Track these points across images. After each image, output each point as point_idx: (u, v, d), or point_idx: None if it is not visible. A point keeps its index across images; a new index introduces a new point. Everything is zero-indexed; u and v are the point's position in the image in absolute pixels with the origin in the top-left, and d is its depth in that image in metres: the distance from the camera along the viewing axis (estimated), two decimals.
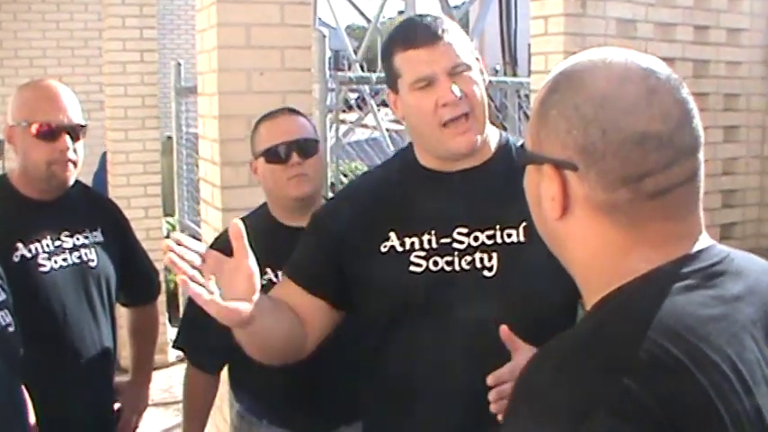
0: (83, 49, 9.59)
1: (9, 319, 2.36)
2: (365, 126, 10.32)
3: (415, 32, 2.15)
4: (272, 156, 2.82)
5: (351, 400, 2.84)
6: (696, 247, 1.28)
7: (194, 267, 1.85)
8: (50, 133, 2.76)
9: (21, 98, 2.84)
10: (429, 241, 2.19)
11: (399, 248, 2.20)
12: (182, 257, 1.84)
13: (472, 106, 2.13)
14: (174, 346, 3.07)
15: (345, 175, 8.57)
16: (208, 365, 2.99)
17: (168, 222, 9.06)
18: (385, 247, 2.22)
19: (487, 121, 2.21)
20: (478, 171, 2.18)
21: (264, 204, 3.00)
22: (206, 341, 2.82)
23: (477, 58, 2.22)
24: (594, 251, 1.30)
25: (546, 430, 1.13)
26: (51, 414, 2.67)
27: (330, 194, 4.29)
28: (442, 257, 2.16)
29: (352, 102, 9.25)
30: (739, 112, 5.45)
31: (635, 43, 4.77)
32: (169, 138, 9.20)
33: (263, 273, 2.67)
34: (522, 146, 1.47)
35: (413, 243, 2.19)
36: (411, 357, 2.11)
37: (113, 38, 7.50)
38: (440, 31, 2.13)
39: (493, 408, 1.85)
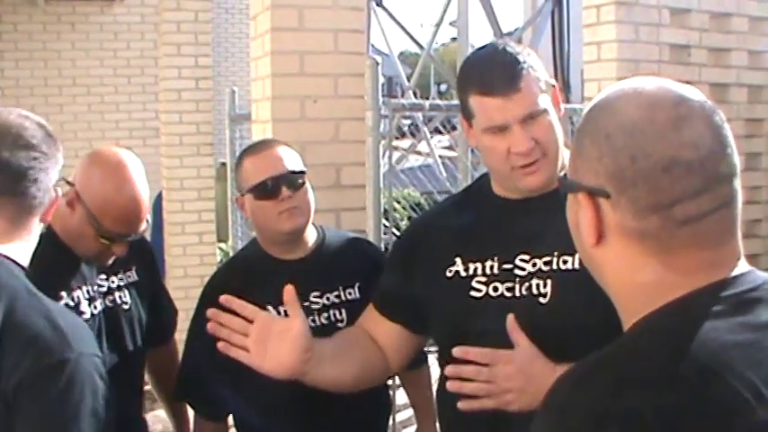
0: (139, 76, 9.75)
1: None
2: (418, 153, 10.35)
3: (491, 77, 2.11)
4: (261, 192, 2.73)
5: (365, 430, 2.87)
6: (732, 273, 1.27)
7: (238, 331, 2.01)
8: (113, 238, 2.67)
9: (88, 170, 2.69)
10: (491, 267, 2.21)
11: (463, 273, 2.24)
12: (227, 325, 2.01)
13: (545, 151, 2.13)
14: (175, 398, 3.03)
15: (398, 202, 8.59)
16: (213, 414, 2.93)
17: (221, 249, 9.11)
18: (450, 272, 2.26)
19: (563, 150, 2.20)
20: (546, 197, 2.17)
21: (255, 240, 2.94)
22: (207, 390, 2.84)
23: (553, 86, 2.21)
24: (628, 278, 1.30)
25: None
26: None
27: (384, 221, 4.30)
28: (502, 283, 2.18)
29: (405, 129, 9.28)
30: None
31: (689, 69, 4.75)
32: (223, 164, 9.26)
33: (263, 310, 2.72)
34: (564, 175, 1.47)
35: (476, 269, 2.22)
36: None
37: (169, 65, 7.59)
38: (517, 77, 2.09)
39: (449, 385, 2.00)
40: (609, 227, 1.30)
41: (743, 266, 1.30)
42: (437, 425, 2.60)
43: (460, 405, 2.00)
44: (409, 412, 4.72)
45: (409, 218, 9.02)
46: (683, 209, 1.24)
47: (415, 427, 3.41)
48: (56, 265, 2.70)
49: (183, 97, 7.58)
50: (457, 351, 1.99)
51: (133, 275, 2.93)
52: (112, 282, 2.84)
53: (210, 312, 2.00)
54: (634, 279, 1.30)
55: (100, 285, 2.80)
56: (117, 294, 2.84)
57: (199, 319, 2.89)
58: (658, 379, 1.14)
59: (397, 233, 7.09)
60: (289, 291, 2.01)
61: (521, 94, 2.10)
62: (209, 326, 2.00)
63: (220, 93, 9.33)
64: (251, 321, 2.05)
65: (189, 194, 7.61)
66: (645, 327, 1.25)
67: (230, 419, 3.00)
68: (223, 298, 2.02)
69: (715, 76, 4.93)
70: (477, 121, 2.17)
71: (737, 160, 1.29)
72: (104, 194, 2.64)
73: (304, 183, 2.78)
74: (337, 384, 2.29)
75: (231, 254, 8.05)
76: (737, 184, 1.28)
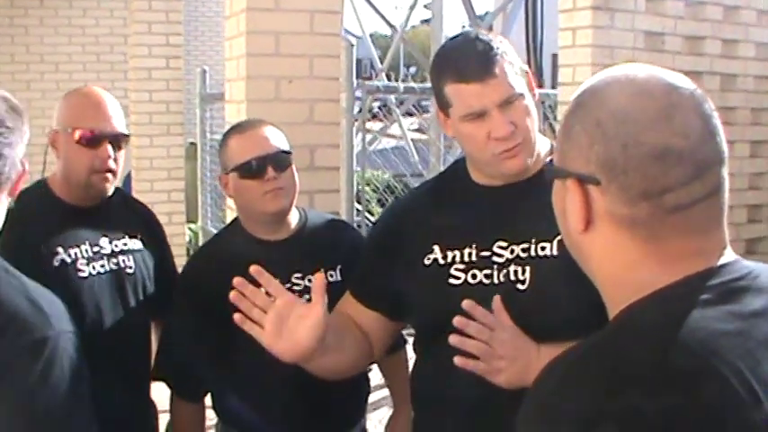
0: (108, 54, 9.65)
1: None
2: (391, 136, 10.34)
3: (466, 64, 2.11)
4: (246, 171, 2.70)
5: (346, 413, 2.85)
6: (719, 262, 1.27)
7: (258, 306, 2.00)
8: (93, 140, 2.73)
9: (67, 104, 2.82)
10: (469, 254, 2.20)
11: (441, 261, 2.23)
12: (251, 298, 1.99)
13: (523, 135, 2.12)
14: (155, 378, 2.98)
15: (368, 184, 8.57)
16: (190, 394, 2.91)
17: (190, 229, 9.08)
18: (428, 259, 2.25)
19: (538, 135, 2.20)
20: (524, 184, 2.18)
21: (236, 220, 2.91)
22: (185, 370, 2.83)
23: (527, 72, 2.21)
24: (616, 265, 1.30)
25: None
26: None
27: (356, 204, 4.29)
28: (481, 270, 2.18)
29: (376, 110, 9.26)
30: (766, 126, 5.42)
31: (663, 56, 4.77)
32: (192, 144, 9.23)
33: None
34: (551, 161, 1.46)
35: (454, 256, 2.22)
36: (447, 365, 2.12)
37: (139, 43, 7.53)
38: (492, 63, 2.10)
39: (451, 338, 1.99)
40: (598, 213, 1.29)
41: (729, 255, 1.29)
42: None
43: (457, 360, 1.99)
44: (379, 394, 4.73)
45: (378, 200, 9.02)
46: (673, 196, 1.23)
47: (385, 408, 3.41)
48: (51, 220, 2.76)
49: (153, 76, 7.53)
50: (467, 303, 2.00)
51: (138, 244, 2.94)
52: (116, 246, 2.85)
53: (237, 281, 1.97)
54: (621, 265, 1.29)
55: (102, 247, 2.82)
56: (121, 258, 2.86)
57: (179, 299, 2.87)
58: (654, 375, 1.13)
59: (369, 215, 7.09)
60: (319, 277, 1.99)
61: (497, 79, 2.10)
62: (232, 295, 1.97)
63: (190, 72, 9.29)
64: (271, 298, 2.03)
65: (158, 174, 7.57)
66: (633, 316, 1.24)
67: (207, 400, 2.98)
68: (253, 269, 2.00)
69: (689, 64, 4.94)
70: (455, 110, 2.16)
71: (726, 148, 1.29)
72: (73, 103, 2.81)
73: (290, 163, 2.76)
74: (334, 372, 2.28)
75: (201, 234, 8.03)
76: (725, 172, 1.28)
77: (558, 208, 1.39)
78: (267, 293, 2.02)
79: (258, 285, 2.02)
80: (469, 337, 2.00)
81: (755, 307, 1.23)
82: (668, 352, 1.14)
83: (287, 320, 1.99)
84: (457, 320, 1.98)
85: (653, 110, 1.25)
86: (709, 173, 1.25)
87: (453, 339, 1.99)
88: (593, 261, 1.34)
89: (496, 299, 2.04)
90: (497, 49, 2.12)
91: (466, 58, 2.12)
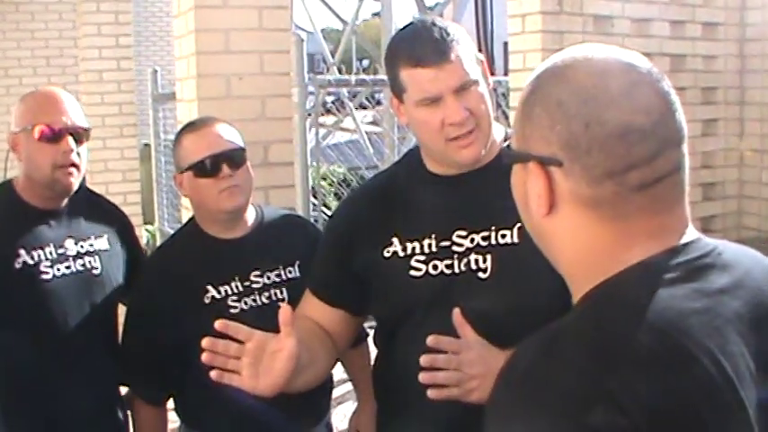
0: (58, 58, 9.55)
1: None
2: (345, 129, 10.32)
3: (422, 49, 2.09)
4: (201, 170, 2.68)
5: (311, 410, 2.84)
6: (683, 240, 1.27)
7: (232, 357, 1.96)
8: (53, 135, 2.70)
9: (23, 105, 2.80)
10: (429, 245, 2.19)
11: (401, 253, 2.22)
12: (224, 353, 1.95)
13: (478, 122, 2.11)
14: (118, 381, 2.96)
15: (324, 179, 8.56)
16: (152, 397, 2.88)
17: (147, 230, 9.02)
18: (388, 252, 2.23)
19: (493, 123, 2.19)
20: (480, 172, 2.17)
21: (191, 220, 2.89)
22: (146, 373, 2.81)
23: (482, 61, 2.20)
24: (581, 247, 1.29)
25: (542, 420, 1.12)
26: (54, 417, 2.70)
27: (312, 199, 4.28)
28: (441, 261, 2.17)
29: (329, 104, 9.25)
30: (717, 105, 5.48)
31: (612, 39, 4.79)
32: (146, 145, 9.17)
33: (204, 292, 2.67)
34: (508, 145, 1.45)
35: (414, 248, 2.20)
36: (412, 358, 2.12)
37: (89, 46, 7.46)
38: (447, 48, 2.08)
39: (422, 376, 1.95)
40: (561, 196, 1.28)
41: (692, 233, 1.29)
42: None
43: (431, 394, 1.98)
44: (343, 389, 4.74)
45: (335, 194, 9.01)
46: (638, 174, 1.23)
47: (349, 402, 3.40)
48: (13, 222, 2.75)
49: (104, 78, 7.47)
50: (431, 340, 1.96)
51: (104, 243, 2.92)
52: (81, 246, 2.83)
53: (206, 343, 1.94)
54: (586, 247, 1.29)
55: (67, 249, 2.79)
56: (87, 259, 2.84)
57: (137, 302, 2.85)
58: (634, 356, 1.13)
59: (325, 210, 7.08)
60: (285, 311, 1.97)
61: (452, 64, 2.09)
62: (205, 357, 1.94)
63: (141, 73, 9.22)
64: (241, 342, 2.00)
65: (113, 176, 7.50)
66: (604, 295, 1.24)
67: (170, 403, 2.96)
68: (219, 324, 1.97)
69: (638, 46, 4.96)
70: (409, 95, 2.15)
71: (685, 125, 1.29)
72: (30, 103, 2.79)
73: (245, 161, 2.74)
74: (310, 384, 2.25)
75: (158, 235, 7.99)
76: (685, 149, 1.28)
77: (518, 193, 1.37)
78: (233, 339, 1.97)
79: (224, 337, 1.97)
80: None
81: (721, 284, 1.23)
82: (642, 332, 1.14)
83: (261, 359, 1.96)
84: (423, 360, 1.96)
85: (614, 88, 1.25)
86: (671, 150, 1.25)
87: (424, 378, 1.96)
88: (557, 245, 1.33)
89: (456, 312, 2.01)
90: (453, 35, 2.11)
91: (422, 43, 2.11)
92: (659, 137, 1.24)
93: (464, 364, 1.98)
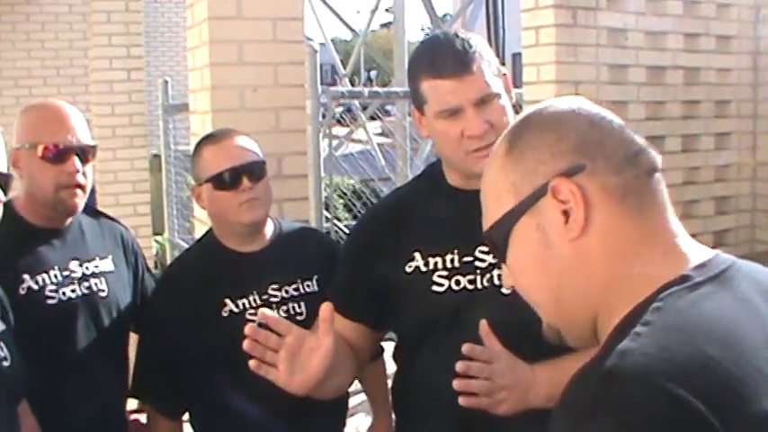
0: (68, 68, 9.56)
1: (4, 352, 2.22)
2: (358, 141, 10.31)
3: (443, 60, 2.10)
4: (221, 182, 2.66)
5: (329, 423, 2.82)
6: (703, 255, 1.30)
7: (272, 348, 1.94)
8: (58, 155, 2.62)
9: (26, 119, 2.70)
10: (452, 260, 2.19)
11: (423, 269, 2.21)
12: (264, 343, 1.93)
13: (498, 135, 2.10)
14: (131, 393, 2.92)
15: (334, 190, 8.54)
16: (169, 410, 2.84)
17: (157, 242, 9.01)
18: (410, 267, 2.23)
19: None
20: None
21: (209, 232, 2.87)
22: (163, 386, 2.77)
23: (505, 74, 2.20)
24: (612, 252, 1.29)
25: None
26: None
27: (325, 212, 4.26)
28: (464, 276, 2.16)
29: (338, 116, 9.25)
30: (730, 118, 5.46)
31: (626, 52, 4.80)
32: (155, 156, 9.16)
33: (222, 305, 2.64)
34: (494, 224, 1.42)
35: (436, 263, 2.20)
36: (434, 374, 2.10)
37: (100, 56, 7.46)
38: (469, 60, 2.09)
39: (456, 383, 1.94)
40: (593, 200, 1.29)
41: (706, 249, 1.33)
42: (393, 416, 2.57)
43: (462, 401, 1.97)
44: (355, 400, 4.71)
45: (345, 205, 8.99)
46: (644, 158, 1.32)
47: (361, 414, 3.37)
48: (15, 245, 2.64)
49: (114, 89, 7.45)
50: (466, 348, 1.96)
51: (110, 265, 2.84)
52: (86, 268, 2.75)
53: (249, 330, 1.92)
54: (617, 251, 1.29)
55: (73, 271, 2.71)
56: (93, 281, 2.75)
57: (154, 313, 2.82)
58: (695, 374, 1.11)
59: (338, 223, 7.07)
60: (326, 308, 1.96)
61: (473, 76, 2.09)
62: (246, 344, 1.92)
63: (151, 83, 9.21)
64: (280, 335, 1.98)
65: (123, 187, 7.49)
66: (659, 316, 1.20)
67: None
68: (260, 314, 1.95)
69: (652, 59, 4.96)
70: (430, 106, 2.15)
71: None
72: (33, 118, 2.70)
73: (265, 173, 2.73)
74: (334, 393, 2.25)
75: (168, 246, 7.97)
76: None
77: (532, 245, 1.35)
78: (273, 331, 1.96)
79: (266, 328, 1.96)
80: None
81: (748, 291, 1.26)
82: (709, 350, 1.14)
83: (298, 355, 1.95)
84: (459, 366, 1.95)
85: (592, 107, 1.37)
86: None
87: (458, 384, 1.95)
88: (588, 268, 1.31)
89: (483, 323, 2.00)
90: (475, 47, 2.12)
91: (443, 55, 2.11)
92: (642, 138, 1.36)
93: (496, 374, 1.98)
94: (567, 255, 1.32)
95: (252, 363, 1.94)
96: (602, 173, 1.29)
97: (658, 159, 1.34)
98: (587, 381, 1.18)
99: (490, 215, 1.42)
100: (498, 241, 1.41)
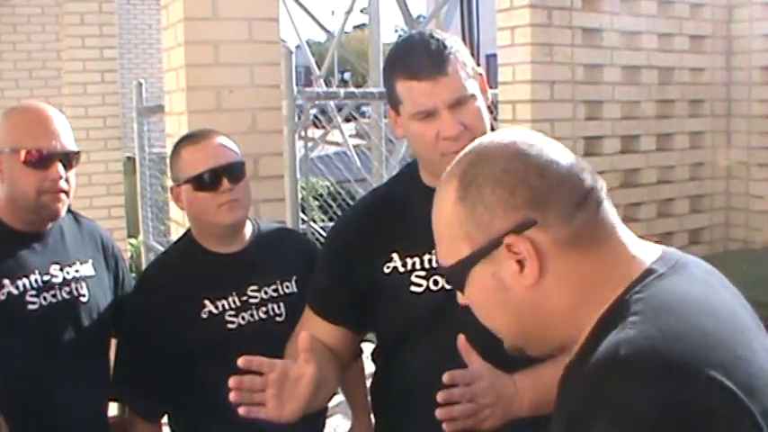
0: (41, 70, 9.49)
1: None
2: (334, 143, 10.30)
3: (418, 61, 2.09)
4: (201, 183, 2.63)
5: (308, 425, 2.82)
6: (655, 251, 1.38)
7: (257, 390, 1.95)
8: (41, 161, 2.57)
9: (8, 122, 2.64)
10: (429, 261, 2.19)
11: (401, 269, 2.21)
12: (250, 388, 1.93)
13: (474, 137, 2.09)
14: (111, 397, 2.88)
15: (310, 192, 8.52)
16: (148, 412, 2.81)
17: (131, 244, 8.96)
18: (388, 267, 2.22)
19: None
20: None
21: (187, 233, 2.84)
22: (143, 388, 2.74)
23: (480, 74, 2.20)
24: (578, 286, 1.33)
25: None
26: None
27: (301, 215, 4.25)
28: (442, 276, 2.15)
29: (313, 117, 9.23)
30: (704, 117, 5.49)
31: (601, 52, 4.81)
32: (129, 158, 9.12)
33: (201, 306, 2.62)
34: (449, 267, 1.42)
35: (414, 263, 2.20)
36: (412, 373, 2.10)
37: (73, 58, 7.42)
38: (444, 61, 2.08)
39: (438, 413, 1.93)
40: (546, 253, 1.32)
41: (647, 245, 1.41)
42: (372, 417, 2.56)
43: (447, 428, 1.95)
44: (332, 401, 4.69)
45: (320, 207, 8.98)
46: (593, 195, 1.35)
47: (339, 416, 3.36)
48: None
49: (88, 90, 7.43)
50: (446, 377, 1.93)
51: (90, 269, 2.80)
52: (67, 273, 2.71)
53: (233, 382, 1.92)
54: (583, 281, 1.33)
55: (53, 276, 2.67)
56: (74, 286, 2.72)
57: (133, 314, 2.79)
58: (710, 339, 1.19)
59: (313, 224, 7.05)
60: (304, 338, 1.95)
61: (448, 78, 2.08)
62: (233, 396, 1.91)
63: (124, 85, 9.17)
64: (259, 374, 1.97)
65: (98, 190, 7.46)
66: (645, 308, 1.25)
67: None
68: (242, 361, 1.94)
69: (626, 59, 4.98)
70: (405, 108, 2.14)
71: None
72: (16, 121, 2.64)
73: (244, 174, 2.71)
74: (324, 403, 2.24)
75: (143, 249, 7.93)
76: None
77: (488, 292, 1.39)
78: (252, 372, 1.96)
79: (245, 372, 1.95)
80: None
81: (704, 275, 1.39)
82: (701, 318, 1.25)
83: (284, 388, 1.95)
84: (440, 396, 1.94)
85: (536, 142, 1.38)
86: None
87: (440, 414, 1.94)
88: (550, 305, 1.35)
89: (461, 338, 1.97)
90: (451, 48, 2.11)
91: (419, 56, 2.10)
92: (589, 167, 1.39)
93: (477, 395, 1.96)
94: (525, 298, 1.36)
95: (241, 410, 1.93)
96: (553, 226, 1.32)
97: (604, 189, 1.37)
98: (600, 379, 1.20)
99: (444, 254, 1.44)
100: (455, 280, 1.44)
